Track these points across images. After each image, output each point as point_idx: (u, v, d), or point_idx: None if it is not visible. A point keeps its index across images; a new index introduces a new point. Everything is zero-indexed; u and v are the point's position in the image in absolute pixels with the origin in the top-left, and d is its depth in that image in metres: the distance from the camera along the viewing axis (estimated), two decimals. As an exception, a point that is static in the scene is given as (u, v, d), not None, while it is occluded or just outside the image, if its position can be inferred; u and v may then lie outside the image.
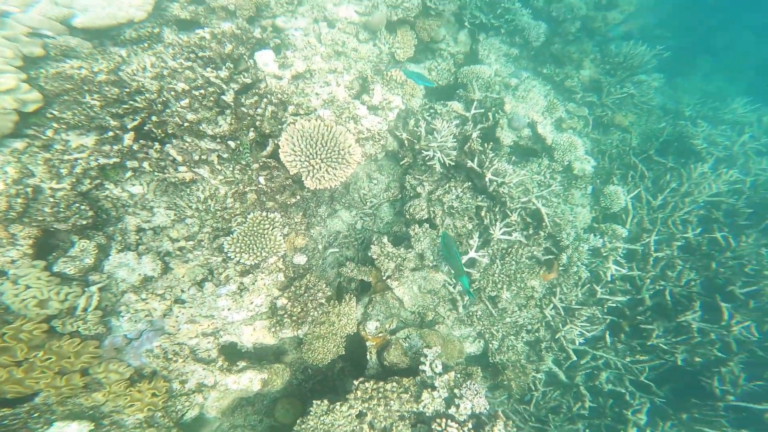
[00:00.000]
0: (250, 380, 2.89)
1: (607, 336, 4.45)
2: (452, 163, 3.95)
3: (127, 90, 2.90)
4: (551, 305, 4.20)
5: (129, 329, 2.66)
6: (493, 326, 4.12)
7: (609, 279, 4.36)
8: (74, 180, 2.66)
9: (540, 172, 4.49)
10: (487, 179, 3.84)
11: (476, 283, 3.88)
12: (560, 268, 4.10)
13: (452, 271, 3.55)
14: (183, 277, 2.78)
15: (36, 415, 2.54)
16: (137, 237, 2.83)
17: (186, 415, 2.88)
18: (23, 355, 2.43)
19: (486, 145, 3.87)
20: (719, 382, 4.34)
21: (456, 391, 2.93)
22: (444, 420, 2.79)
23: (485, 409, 2.87)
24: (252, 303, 2.79)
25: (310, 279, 3.05)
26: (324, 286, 3.11)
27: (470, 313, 4.07)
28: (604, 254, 4.31)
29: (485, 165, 3.84)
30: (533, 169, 4.53)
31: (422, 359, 3.08)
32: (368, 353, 3.48)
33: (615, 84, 5.70)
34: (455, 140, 3.95)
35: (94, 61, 3.01)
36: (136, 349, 2.67)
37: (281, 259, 2.94)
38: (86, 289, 2.60)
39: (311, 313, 2.96)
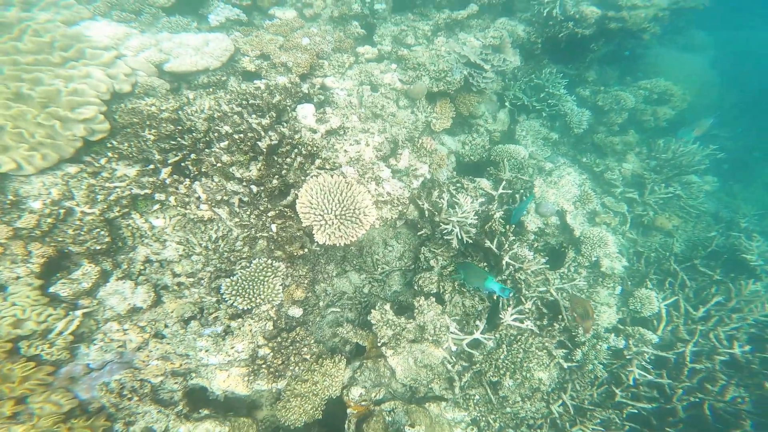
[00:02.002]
0: (206, 431, 2.71)
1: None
2: (470, 241, 3.79)
3: (180, 128, 3.12)
4: (560, 402, 3.76)
5: (95, 359, 2.57)
6: (491, 414, 3.72)
7: (631, 383, 3.87)
8: (106, 206, 2.77)
9: (564, 265, 4.22)
10: (504, 262, 3.64)
11: (477, 365, 3.57)
12: (573, 365, 3.70)
13: (480, 288, 3.31)
14: (171, 312, 2.74)
15: None
16: (142, 267, 2.87)
17: None
18: None
19: (508, 227, 3.72)
20: None
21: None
22: None
23: None
24: (233, 348, 2.67)
25: (299, 332, 2.92)
26: (312, 341, 2.95)
27: (467, 396, 3.72)
28: (628, 357, 3.85)
29: (504, 247, 3.66)
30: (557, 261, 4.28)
31: None
32: (347, 422, 3.21)
33: (660, 182, 5.39)
34: (477, 218, 3.83)
35: (165, 100, 3.30)
36: (92, 381, 2.54)
37: (274, 308, 2.86)
38: (71, 312, 2.58)
39: (292, 368, 2.80)
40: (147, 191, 2.87)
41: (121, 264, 2.78)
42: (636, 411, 3.98)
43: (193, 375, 2.77)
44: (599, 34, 5.04)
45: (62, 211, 2.67)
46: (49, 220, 2.60)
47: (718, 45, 8.19)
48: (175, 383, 2.71)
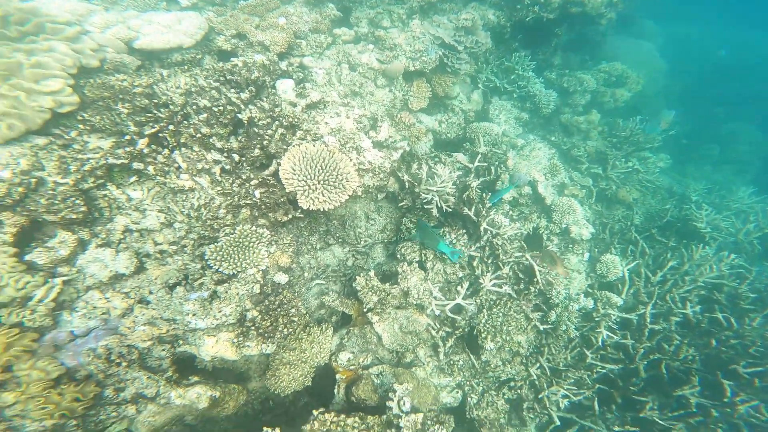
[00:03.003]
0: (197, 395, 2.62)
1: (596, 404, 4.04)
2: (450, 210, 3.85)
3: (156, 101, 3.01)
4: (537, 364, 3.89)
5: (78, 325, 2.45)
6: (474, 379, 3.80)
7: (600, 344, 4.03)
8: (79, 177, 2.65)
9: (538, 231, 4.36)
10: (482, 228, 3.72)
11: (460, 330, 3.65)
12: (548, 326, 3.83)
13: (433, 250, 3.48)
14: (155, 279, 2.65)
15: None
16: (122, 236, 2.76)
17: (108, 429, 2.59)
18: None
19: (485, 195, 3.81)
20: None
21: (422, 437, 2.63)
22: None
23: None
24: (220, 311, 2.61)
25: (286, 295, 2.90)
26: (299, 303, 2.94)
27: (451, 362, 3.78)
28: (597, 319, 4.02)
29: (482, 214, 3.75)
30: (530, 228, 4.42)
31: (390, 395, 2.81)
32: (336, 387, 3.20)
33: (621, 157, 5.65)
34: (455, 187, 3.90)
35: (138, 76, 3.19)
36: (78, 347, 2.42)
37: (261, 273, 2.82)
38: (50, 280, 2.46)
39: (281, 329, 2.76)
40: (123, 161, 2.76)
41: (100, 233, 2.67)
42: (605, 371, 4.16)
43: (181, 342, 2.68)
44: (562, 19, 5.24)
45: (33, 180, 2.53)
46: (20, 189, 2.46)
47: (664, 35, 8.69)
48: (163, 350, 2.62)
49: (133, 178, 2.92)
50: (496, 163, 4.27)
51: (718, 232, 5.67)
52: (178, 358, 2.75)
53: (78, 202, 2.57)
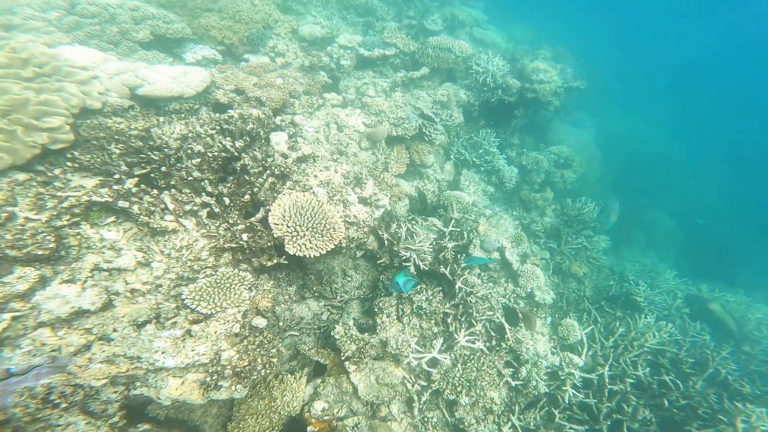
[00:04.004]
0: None
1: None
2: (426, 269, 3.97)
3: (150, 144, 3.01)
4: (509, 423, 3.83)
5: (19, 362, 2.14)
6: (447, 439, 3.66)
7: (566, 403, 4.08)
8: (55, 214, 2.51)
9: (505, 295, 4.56)
10: (456, 287, 3.85)
11: (436, 383, 3.57)
12: (519, 382, 3.85)
13: (393, 286, 3.52)
14: (123, 316, 2.45)
15: None
16: (89, 274, 2.56)
17: None
18: None
19: (459, 256, 4.00)
20: None
21: None
22: None
23: None
24: (193, 350, 2.41)
25: (266, 335, 2.74)
26: (279, 344, 2.78)
27: (425, 419, 3.64)
28: (562, 377, 4.12)
29: (456, 273, 3.91)
30: (499, 291, 4.62)
31: None
32: (307, 444, 2.96)
33: (572, 234, 6.22)
34: (432, 248, 4.08)
35: (134, 120, 3.21)
36: (10, 386, 2.09)
37: (241, 313, 2.69)
38: None
39: (259, 369, 2.57)
40: (108, 199, 2.67)
41: (63, 271, 2.46)
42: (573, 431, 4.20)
43: (138, 384, 2.39)
44: (520, 102, 6.02)
45: (3, 215, 2.37)
46: (-15, 223, 2.28)
47: (595, 125, 10.14)
48: (114, 392, 2.31)
49: (110, 219, 2.79)
50: (468, 228, 4.54)
51: (655, 306, 6.25)
52: (129, 402, 2.44)
53: (48, 238, 2.39)
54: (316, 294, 3.87)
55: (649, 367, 4.93)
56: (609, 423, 4.36)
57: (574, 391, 4.09)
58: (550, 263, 5.75)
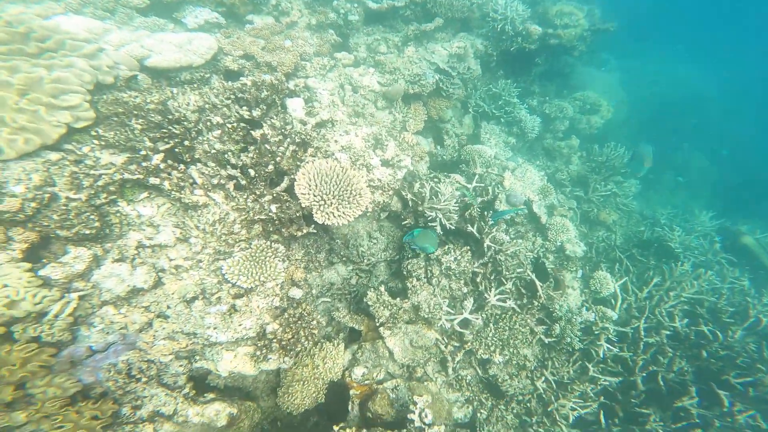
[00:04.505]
0: (216, 413, 2.53)
1: (602, 417, 4.15)
2: (452, 228, 4.00)
3: (169, 118, 3.04)
4: (542, 378, 3.97)
5: (97, 340, 2.36)
6: (483, 394, 3.83)
7: (601, 357, 4.19)
8: (92, 192, 2.61)
9: (533, 250, 4.56)
10: (485, 245, 3.88)
11: (469, 344, 3.70)
12: (553, 339, 3.95)
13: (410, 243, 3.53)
14: (173, 293, 2.60)
15: None
16: (135, 252, 2.70)
17: None
18: None
19: (486, 213, 3.99)
20: None
21: (445, 454, 2.62)
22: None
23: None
24: (241, 325, 2.57)
25: (305, 308, 2.88)
26: (318, 316, 2.92)
27: (459, 377, 3.81)
28: (596, 332, 4.20)
29: (484, 231, 3.91)
30: (527, 246, 4.62)
31: (411, 407, 2.79)
32: (350, 403, 3.14)
33: (600, 181, 6.08)
34: (457, 206, 4.07)
35: (149, 93, 3.23)
36: (97, 363, 2.32)
37: (279, 286, 2.80)
38: (66, 295, 2.38)
39: (302, 342, 2.73)
40: (139, 176, 2.73)
41: (112, 249, 2.59)
42: (605, 385, 4.31)
43: (197, 357, 2.60)
44: (542, 49, 5.73)
45: (46, 196, 2.46)
46: (33, 204, 2.39)
47: (621, 69, 9.63)
48: (180, 366, 2.53)
49: (144, 195, 2.88)
50: (492, 183, 4.49)
51: (690, 252, 6.14)
52: (193, 374, 2.65)
53: (92, 217, 2.51)
54: (344, 258, 3.96)
55: (687, 318, 4.94)
56: (644, 374, 4.45)
57: (608, 345, 4.16)
58: (577, 212, 5.68)
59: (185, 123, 3.03)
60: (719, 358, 4.66)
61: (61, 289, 2.35)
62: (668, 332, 4.77)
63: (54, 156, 2.60)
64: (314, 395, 3.15)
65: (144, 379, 2.38)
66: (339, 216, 2.98)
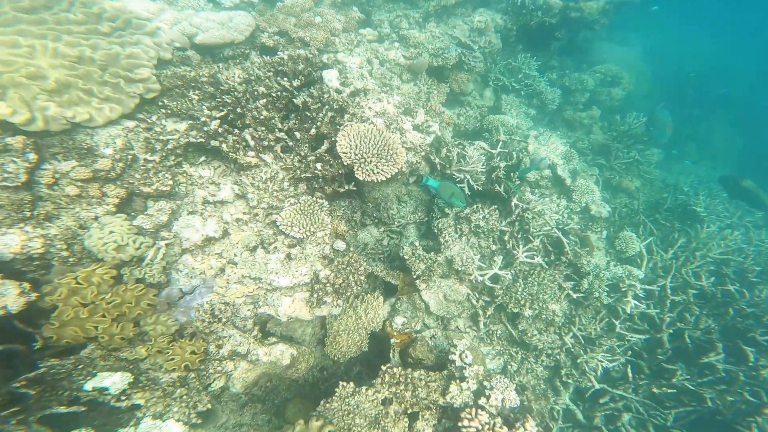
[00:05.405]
0: (281, 353, 2.91)
1: (629, 371, 4.41)
2: (480, 189, 4.31)
3: (221, 89, 3.43)
4: (570, 333, 4.24)
5: (185, 284, 2.78)
6: (512, 348, 4.13)
7: (628, 313, 4.43)
8: (164, 155, 3.04)
9: (558, 212, 4.82)
10: (512, 204, 4.17)
11: (499, 298, 4.00)
12: (581, 295, 4.21)
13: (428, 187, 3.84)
14: (237, 243, 2.98)
15: (80, 366, 2.59)
16: (202, 207, 3.10)
17: (212, 384, 2.87)
18: (92, 298, 2.55)
19: (512, 174, 4.27)
20: (759, 430, 4.21)
21: (485, 383, 2.93)
22: (474, 409, 2.76)
23: (516, 403, 2.84)
24: (297, 271, 2.94)
25: (353, 255, 3.23)
26: (364, 263, 3.27)
27: (490, 332, 4.12)
28: (623, 289, 4.44)
29: (511, 191, 4.20)
30: (552, 207, 4.88)
31: (452, 349, 3.12)
32: (391, 351, 3.49)
33: (622, 149, 6.30)
34: (484, 168, 4.36)
35: (200, 68, 3.66)
36: (188, 303, 2.75)
37: (327, 236, 3.15)
38: (156, 242, 2.81)
39: (352, 286, 3.08)
40: (201, 140, 3.12)
41: (185, 204, 2.99)
42: (632, 341, 4.56)
43: (260, 303, 2.97)
44: (562, 23, 5.95)
45: (129, 156, 2.88)
46: (120, 164, 2.81)
47: (643, 44, 9.73)
48: (248, 310, 2.91)
49: (202, 159, 3.27)
50: (517, 148, 4.76)
51: (716, 216, 6.31)
52: (257, 319, 3.02)
53: (167, 175, 2.92)
54: (376, 220, 4.31)
55: (713, 277, 5.12)
56: (671, 331, 4.67)
57: (636, 302, 4.39)
58: (600, 179, 5.89)
59: (235, 93, 3.40)
60: (746, 316, 4.85)
61: (152, 238, 2.76)
62: (695, 291, 4.98)
63: (130, 124, 3.02)
64: (359, 343, 3.50)
65: (224, 320, 2.79)
66: (378, 173, 3.32)
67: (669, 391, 4.48)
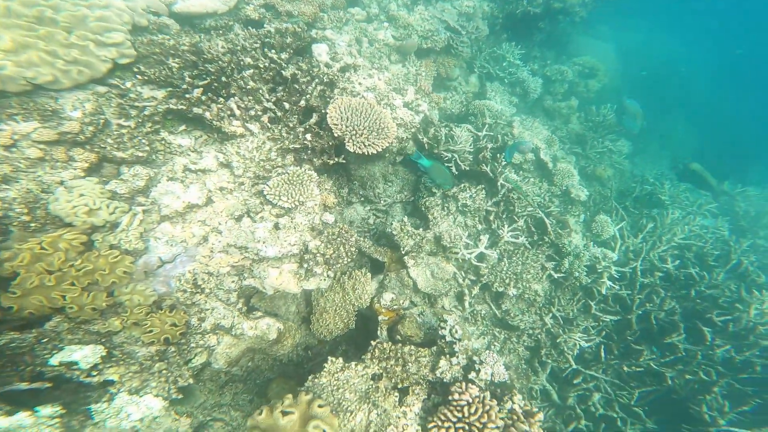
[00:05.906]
0: (268, 327, 2.75)
1: (602, 352, 4.50)
2: (467, 169, 4.25)
3: (204, 57, 3.19)
4: (550, 314, 4.28)
5: (165, 252, 2.57)
6: (496, 328, 4.12)
7: (603, 294, 4.51)
8: (139, 121, 2.80)
9: (540, 195, 4.84)
10: (499, 183, 4.14)
11: (485, 277, 3.97)
12: (561, 275, 4.24)
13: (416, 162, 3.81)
14: (222, 211, 2.78)
15: (44, 340, 2.35)
16: (183, 175, 2.88)
17: (194, 359, 2.68)
18: (59, 265, 2.30)
19: (499, 155, 4.24)
20: (707, 407, 4.39)
21: (475, 358, 2.88)
22: (464, 384, 2.71)
23: (504, 377, 2.81)
24: (286, 240, 2.78)
25: (342, 226, 3.09)
26: (355, 234, 3.15)
27: (474, 312, 4.09)
28: (599, 270, 4.51)
29: (497, 171, 4.17)
30: (534, 191, 4.90)
31: (442, 324, 3.05)
32: (379, 329, 3.39)
33: (597, 138, 6.42)
34: (471, 149, 4.30)
35: (179, 36, 3.41)
36: (168, 272, 2.54)
37: (317, 206, 3.00)
38: (132, 208, 2.58)
39: (343, 257, 2.95)
40: (182, 107, 2.89)
41: (164, 171, 2.76)
42: (605, 322, 4.66)
43: (246, 275, 2.79)
44: (545, 14, 5.96)
45: (101, 120, 2.63)
46: (91, 128, 2.56)
47: (616, 39, 9.97)
48: (232, 282, 2.73)
49: (182, 127, 3.04)
50: (502, 132, 4.73)
51: (679, 204, 6.56)
52: (241, 293, 2.84)
53: (143, 141, 2.68)
54: (362, 198, 4.19)
55: (678, 260, 5.31)
56: (639, 312, 4.81)
57: (611, 283, 4.47)
58: (576, 167, 5.97)
59: (219, 62, 3.17)
60: (704, 298, 5.06)
61: (127, 203, 2.52)
62: (661, 273, 5.14)
63: (101, 89, 2.77)
64: (346, 320, 3.38)
65: (207, 291, 2.59)
66: (370, 145, 3.19)
67: (638, 369, 4.61)
